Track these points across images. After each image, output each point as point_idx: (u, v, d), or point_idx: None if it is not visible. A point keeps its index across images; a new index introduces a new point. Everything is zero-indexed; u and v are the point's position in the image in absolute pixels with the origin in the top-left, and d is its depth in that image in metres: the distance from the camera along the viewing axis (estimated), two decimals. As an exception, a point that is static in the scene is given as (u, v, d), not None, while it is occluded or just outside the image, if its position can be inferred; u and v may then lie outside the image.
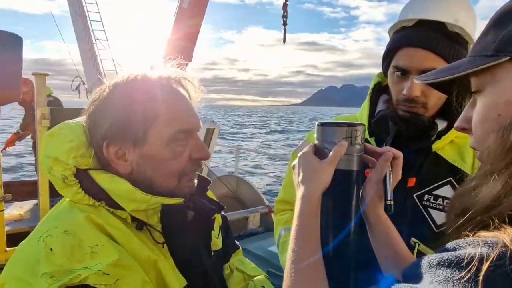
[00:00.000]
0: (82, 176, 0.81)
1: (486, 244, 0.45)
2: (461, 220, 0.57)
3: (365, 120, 1.19)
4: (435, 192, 1.04)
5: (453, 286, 0.44)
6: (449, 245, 0.49)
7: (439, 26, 0.99)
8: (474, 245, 0.46)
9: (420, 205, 1.04)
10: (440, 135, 1.08)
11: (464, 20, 1.00)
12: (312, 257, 0.70)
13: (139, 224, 0.83)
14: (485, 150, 0.56)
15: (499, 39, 0.53)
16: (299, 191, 0.79)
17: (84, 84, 6.15)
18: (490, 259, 0.43)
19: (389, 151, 0.81)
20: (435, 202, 1.03)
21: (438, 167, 1.06)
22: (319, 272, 0.69)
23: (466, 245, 0.48)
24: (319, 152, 0.85)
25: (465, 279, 0.43)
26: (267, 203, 3.72)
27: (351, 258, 0.88)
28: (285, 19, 5.17)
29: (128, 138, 0.82)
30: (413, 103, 1.04)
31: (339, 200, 0.84)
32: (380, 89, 1.23)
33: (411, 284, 0.49)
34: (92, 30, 6.21)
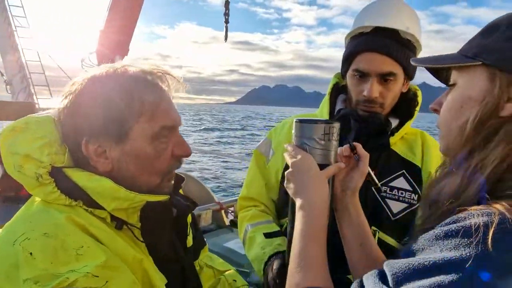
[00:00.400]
0: (57, 175, 0.77)
1: (484, 214, 0.52)
2: (433, 209, 0.67)
3: (325, 117, 1.27)
4: (391, 184, 1.15)
5: (464, 250, 0.50)
6: (448, 220, 0.56)
7: (394, 33, 1.10)
8: (474, 216, 0.53)
9: (378, 196, 1.14)
10: (393, 132, 1.19)
11: (414, 28, 1.13)
12: (320, 254, 0.75)
13: (119, 224, 0.80)
14: (449, 138, 0.69)
15: (480, 46, 0.65)
16: (300, 199, 0.81)
17: (2, 75, 5.55)
18: (494, 224, 0.50)
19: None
20: (391, 193, 1.14)
21: (392, 161, 1.17)
22: (325, 268, 0.73)
23: (466, 217, 0.54)
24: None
25: (475, 243, 0.50)
26: (217, 200, 3.71)
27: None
28: (227, 17, 5.21)
29: (110, 134, 0.78)
30: (372, 103, 1.14)
31: None
32: (338, 89, 1.32)
33: (422, 256, 0.54)
34: (12, 16, 5.62)
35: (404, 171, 1.17)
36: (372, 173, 0.90)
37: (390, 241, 1.13)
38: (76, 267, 0.65)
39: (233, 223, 3.27)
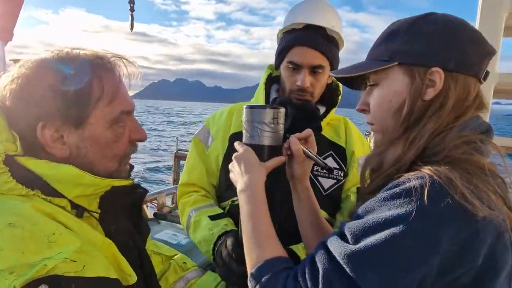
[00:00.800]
0: (11, 163, 0.73)
1: (419, 178, 0.64)
2: (377, 173, 0.81)
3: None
4: None
5: (407, 207, 0.62)
6: (390, 185, 0.68)
7: (322, 30, 1.25)
8: (411, 180, 0.65)
9: (311, 174, 1.28)
10: (321, 118, 1.36)
11: (337, 26, 1.30)
12: (269, 229, 0.84)
13: (79, 211, 0.79)
14: (383, 126, 0.82)
15: (391, 49, 0.79)
16: (242, 183, 0.90)
17: None
18: (427, 185, 0.62)
19: (294, 137, 0.98)
20: (322, 171, 1.30)
21: (321, 144, 1.33)
22: (277, 240, 0.83)
23: (405, 181, 0.66)
24: (250, 131, 0.98)
25: (414, 200, 0.61)
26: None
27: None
28: (132, 5, 4.93)
29: (68, 119, 0.77)
30: (304, 92, 1.28)
31: (272, 172, 0.99)
32: (271, 79, 1.44)
33: (374, 216, 0.65)
34: None
35: (331, 152, 1.34)
36: (317, 158, 0.98)
37: (322, 213, 1.29)
38: (49, 254, 0.64)
39: (158, 216, 3.20)
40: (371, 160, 0.84)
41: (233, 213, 1.33)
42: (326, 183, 1.31)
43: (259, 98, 1.41)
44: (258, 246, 0.80)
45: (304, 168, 1.00)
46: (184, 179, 1.43)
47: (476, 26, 1.45)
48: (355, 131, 1.43)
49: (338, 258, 0.65)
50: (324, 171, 1.29)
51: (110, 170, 0.84)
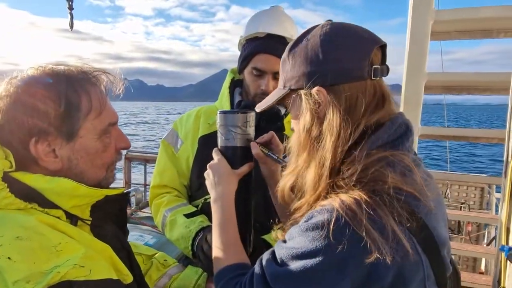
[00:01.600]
0: (8, 179, 0.77)
1: (327, 212, 0.70)
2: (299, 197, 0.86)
3: (227, 109, 1.48)
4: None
5: (318, 241, 0.69)
6: (309, 214, 0.75)
7: (282, 39, 1.38)
8: (321, 213, 0.71)
9: None
10: (282, 118, 1.49)
11: (295, 35, 1.42)
12: (234, 237, 0.96)
13: (73, 220, 0.84)
14: (294, 147, 0.86)
15: (283, 78, 0.86)
16: (214, 194, 1.01)
17: None
18: (333, 221, 0.67)
19: (254, 142, 1.07)
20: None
21: (283, 142, 1.47)
22: (240, 248, 0.95)
23: (317, 214, 0.72)
24: (225, 135, 1.09)
25: (323, 236, 0.68)
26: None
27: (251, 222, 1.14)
28: (70, 3, 4.68)
29: (59, 133, 0.81)
30: (268, 96, 1.40)
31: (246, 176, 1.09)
32: (234, 83, 1.54)
33: (294, 244, 0.73)
34: None
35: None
36: (276, 158, 1.07)
37: None
38: (59, 262, 0.69)
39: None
40: (292, 180, 0.89)
41: (206, 210, 1.42)
42: None
43: (223, 101, 1.51)
44: (221, 253, 0.92)
45: (269, 167, 1.11)
46: (156, 181, 1.50)
47: (408, 32, 1.67)
48: None
49: (267, 277, 0.75)
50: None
51: (99, 178, 0.90)
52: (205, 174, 1.06)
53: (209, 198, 1.40)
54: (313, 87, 0.78)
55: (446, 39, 1.86)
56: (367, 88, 0.78)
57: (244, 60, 1.41)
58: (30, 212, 0.77)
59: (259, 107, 0.99)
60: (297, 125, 0.85)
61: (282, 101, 0.90)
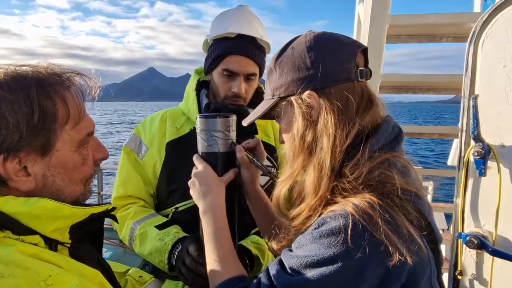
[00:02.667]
0: None
1: (342, 217, 0.69)
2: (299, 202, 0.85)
3: (195, 112, 1.41)
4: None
5: (335, 247, 0.67)
6: (319, 220, 0.73)
7: (253, 40, 1.35)
8: (334, 219, 0.69)
9: None
10: None
11: (264, 36, 1.40)
12: (229, 249, 0.92)
13: (53, 246, 0.74)
14: (290, 153, 0.86)
15: (272, 87, 0.87)
16: (203, 205, 0.96)
17: None
18: (350, 227, 0.66)
19: (239, 145, 1.05)
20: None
21: None
22: (236, 260, 0.91)
23: (330, 220, 0.70)
24: (207, 140, 1.03)
25: (341, 241, 0.67)
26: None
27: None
28: None
29: (32, 148, 0.70)
30: (239, 98, 1.36)
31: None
32: (199, 84, 1.47)
33: (307, 253, 0.71)
34: None
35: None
36: (261, 166, 1.05)
37: None
38: None
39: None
40: (287, 187, 0.89)
41: (177, 219, 1.34)
42: (263, 180, 1.42)
43: (190, 103, 1.43)
44: (218, 266, 0.88)
45: (251, 173, 1.08)
46: (119, 192, 1.38)
47: (366, 36, 1.74)
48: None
49: (278, 287, 0.73)
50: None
51: (76, 194, 0.80)
52: (190, 183, 0.99)
53: (181, 206, 1.35)
54: (304, 92, 0.80)
55: (396, 42, 1.98)
56: (355, 90, 0.81)
57: (214, 61, 1.35)
58: (5, 242, 0.65)
59: (246, 121, 0.96)
60: (289, 133, 0.85)
61: (271, 111, 0.89)
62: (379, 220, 0.67)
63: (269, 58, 1.00)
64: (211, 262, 0.89)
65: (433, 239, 0.77)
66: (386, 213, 0.68)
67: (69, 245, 0.78)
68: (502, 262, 1.37)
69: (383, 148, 0.78)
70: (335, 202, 0.75)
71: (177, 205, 1.35)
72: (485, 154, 1.36)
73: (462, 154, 1.45)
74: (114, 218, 0.89)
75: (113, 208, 0.85)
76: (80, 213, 0.74)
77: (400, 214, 0.70)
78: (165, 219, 1.33)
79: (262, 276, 0.78)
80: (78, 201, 0.81)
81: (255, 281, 0.79)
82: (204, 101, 1.45)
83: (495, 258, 1.38)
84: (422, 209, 0.75)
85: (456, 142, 3.71)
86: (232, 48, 1.32)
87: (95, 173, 0.85)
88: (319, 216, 0.77)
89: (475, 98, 1.36)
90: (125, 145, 1.44)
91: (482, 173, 1.38)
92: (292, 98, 0.82)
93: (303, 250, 0.73)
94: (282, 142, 0.93)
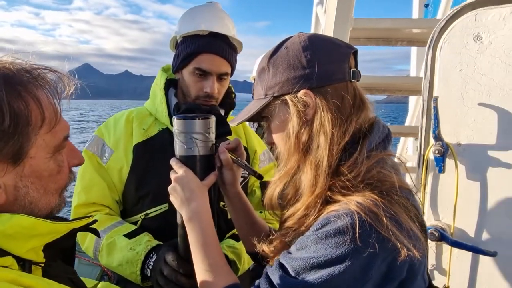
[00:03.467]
0: None
1: (347, 215, 0.68)
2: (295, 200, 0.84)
3: (164, 112, 1.34)
4: None
5: (343, 247, 0.67)
6: (322, 220, 0.72)
7: (226, 38, 1.31)
8: (339, 218, 0.68)
9: None
10: None
11: (236, 34, 1.37)
12: (220, 257, 0.88)
13: (27, 267, 0.66)
14: (284, 153, 0.85)
15: (264, 87, 0.85)
16: (188, 211, 0.91)
17: None
18: (357, 225, 0.66)
19: (222, 146, 1.02)
20: None
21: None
22: (228, 268, 0.88)
23: (334, 219, 0.69)
24: (186, 143, 0.98)
25: (348, 240, 0.66)
26: None
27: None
28: None
29: (3, 155, 0.62)
30: (211, 98, 1.32)
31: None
32: (167, 83, 1.40)
33: (310, 255, 0.70)
34: None
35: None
36: (246, 166, 1.03)
37: None
38: None
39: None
40: (281, 186, 0.88)
41: (147, 226, 1.27)
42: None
43: (157, 103, 1.36)
44: (211, 276, 0.84)
45: (233, 175, 1.04)
46: (81, 199, 1.26)
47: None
48: (251, 130, 1.56)
49: None
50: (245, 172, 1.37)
51: (51, 206, 0.72)
52: (171, 189, 0.94)
53: (151, 212, 1.28)
54: (299, 90, 0.80)
55: (356, 44, 2.05)
56: (349, 89, 0.82)
57: (185, 59, 1.29)
58: None
59: (235, 121, 0.92)
60: (283, 132, 0.84)
61: (262, 111, 0.87)
62: (384, 218, 0.67)
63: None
64: (202, 272, 0.85)
65: (425, 233, 0.80)
66: (389, 210, 0.69)
67: (43, 265, 0.69)
68: (459, 252, 1.47)
69: (378, 147, 0.80)
70: (334, 201, 0.75)
71: (147, 211, 1.27)
72: (444, 152, 1.45)
73: (422, 152, 1.54)
74: (95, 233, 0.81)
75: (95, 221, 0.77)
76: (61, 229, 0.67)
77: (402, 211, 0.71)
78: (134, 227, 1.25)
79: (261, 282, 0.75)
80: (52, 214, 0.72)
81: (254, 287, 0.76)
82: (173, 101, 1.38)
83: (453, 248, 1.48)
84: (416, 205, 0.77)
85: (402, 140, 3.96)
86: (204, 46, 1.27)
87: (70, 181, 0.77)
88: (317, 215, 0.77)
89: (436, 99, 1.45)
90: (86, 148, 1.33)
91: (442, 170, 1.47)
92: (287, 97, 0.81)
93: (307, 252, 0.71)
94: (271, 143, 0.91)
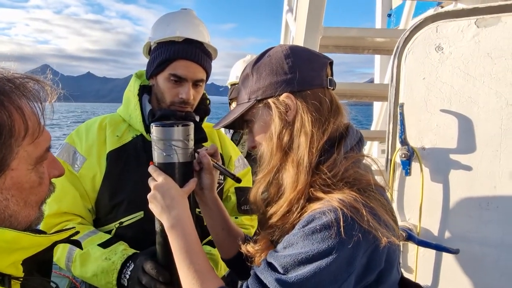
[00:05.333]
0: None
1: (331, 211, 0.72)
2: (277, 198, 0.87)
3: (138, 118, 1.32)
4: None
5: (329, 240, 0.71)
6: (307, 218, 0.76)
7: (201, 45, 1.31)
8: (324, 214, 0.73)
9: None
10: None
11: (211, 41, 1.38)
12: (206, 263, 0.89)
13: (6, 281, 0.64)
14: (266, 154, 0.89)
15: (248, 91, 0.90)
16: (170, 219, 0.90)
17: None
18: (341, 220, 0.71)
19: (204, 151, 1.05)
20: None
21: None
22: (214, 273, 0.88)
23: (319, 216, 0.73)
24: (165, 150, 0.98)
25: (334, 234, 0.71)
26: None
27: None
28: None
29: None
30: (186, 104, 1.32)
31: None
32: (141, 90, 1.39)
33: (298, 250, 0.73)
34: None
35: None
36: (225, 170, 1.05)
37: None
38: None
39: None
40: (265, 185, 0.91)
41: (122, 235, 1.25)
42: None
43: (131, 110, 1.34)
44: (198, 283, 0.84)
45: (212, 180, 1.06)
46: (52, 209, 1.22)
47: (301, 44, 1.82)
48: (226, 136, 1.57)
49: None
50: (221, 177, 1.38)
51: (31, 219, 0.70)
52: (150, 196, 0.93)
53: (126, 221, 1.26)
54: (282, 94, 0.86)
55: (325, 52, 2.11)
56: (326, 95, 0.88)
57: (160, 65, 1.29)
58: None
59: (219, 124, 0.95)
60: (266, 133, 0.89)
61: (245, 114, 0.91)
62: (364, 212, 0.73)
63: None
64: (189, 279, 0.84)
65: (398, 228, 0.85)
66: (368, 205, 0.75)
67: (22, 279, 0.67)
68: (425, 250, 1.55)
69: (353, 149, 0.86)
70: (317, 198, 0.79)
71: (122, 220, 1.25)
72: (410, 156, 1.53)
73: (390, 157, 1.62)
74: (78, 245, 0.79)
75: (77, 233, 0.75)
76: (44, 242, 0.65)
77: (378, 205, 0.77)
78: (108, 236, 1.22)
79: (250, 282, 0.77)
80: (31, 227, 0.70)
81: (243, 287, 0.78)
82: (147, 107, 1.37)
83: (419, 247, 1.56)
84: (389, 202, 0.84)
85: (369, 144, 4.11)
86: (180, 52, 1.27)
87: (50, 193, 0.75)
88: (301, 211, 0.80)
89: (402, 106, 1.53)
90: (56, 155, 1.28)
91: (408, 173, 1.55)
92: (270, 100, 0.87)
93: (294, 248, 0.75)
94: (253, 146, 0.94)
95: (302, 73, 0.86)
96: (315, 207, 0.77)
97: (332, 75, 0.93)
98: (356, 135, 0.89)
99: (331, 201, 0.75)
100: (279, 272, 0.75)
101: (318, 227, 0.73)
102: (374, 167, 0.90)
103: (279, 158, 0.86)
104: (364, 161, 0.89)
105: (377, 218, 0.74)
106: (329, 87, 0.89)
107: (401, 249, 1.63)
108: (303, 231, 0.75)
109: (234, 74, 2.87)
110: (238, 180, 1.05)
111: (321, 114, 0.85)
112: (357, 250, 0.72)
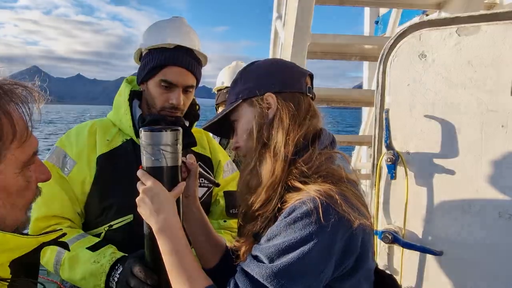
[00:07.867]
0: None
1: (310, 201, 0.79)
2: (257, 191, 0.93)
3: (128, 123, 1.34)
4: None
5: (310, 226, 0.77)
6: (289, 209, 0.82)
7: (191, 52, 1.34)
8: (304, 204, 0.79)
9: None
10: None
11: (201, 48, 1.41)
12: (194, 263, 0.90)
13: None
14: (247, 148, 0.99)
15: (236, 92, 1.01)
16: (159, 223, 0.92)
17: None
18: (320, 208, 0.77)
19: (191, 155, 1.09)
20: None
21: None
22: (202, 272, 0.90)
23: (299, 205, 0.80)
24: (153, 154, 1.00)
25: (313, 221, 0.77)
26: None
27: None
28: None
29: None
30: (176, 110, 1.34)
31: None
32: (132, 95, 1.40)
33: (282, 239, 0.78)
34: None
35: (200, 162, 1.45)
36: (209, 176, 1.08)
37: None
38: None
39: None
40: (248, 178, 0.97)
41: (111, 238, 1.26)
42: (200, 191, 1.41)
43: (121, 114, 1.36)
44: (190, 281, 0.86)
45: (197, 185, 1.10)
46: (41, 212, 1.23)
47: (289, 50, 1.86)
48: (214, 141, 1.59)
49: (259, 278, 0.78)
50: (205, 182, 1.39)
51: (18, 222, 0.72)
52: (139, 200, 0.94)
53: (115, 224, 1.27)
54: (264, 93, 0.96)
55: (313, 58, 2.16)
56: (305, 99, 0.98)
57: (151, 71, 1.31)
58: None
59: (208, 122, 1.03)
60: (248, 129, 0.98)
61: (231, 113, 1.01)
62: (338, 199, 0.80)
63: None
64: (179, 279, 0.86)
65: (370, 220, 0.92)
66: (342, 193, 0.82)
67: (9, 281, 0.68)
68: (410, 252, 1.59)
69: (327, 148, 0.94)
70: (295, 188, 0.86)
71: (111, 223, 1.26)
72: (395, 160, 1.57)
73: (376, 161, 1.66)
74: (65, 247, 0.81)
75: (64, 234, 0.77)
76: (31, 243, 0.66)
77: (351, 195, 0.84)
78: (97, 239, 1.23)
79: (237, 276, 0.80)
80: (18, 230, 0.72)
81: (231, 283, 0.80)
82: (137, 112, 1.38)
83: (404, 249, 1.60)
84: (361, 194, 0.91)
85: (357, 148, 4.17)
86: (171, 59, 1.29)
87: (36, 197, 0.77)
88: (280, 199, 0.87)
89: (387, 111, 1.57)
90: (46, 159, 1.29)
91: (393, 176, 1.59)
92: (254, 99, 0.97)
93: (278, 239, 0.80)
94: (236, 147, 1.02)
95: (284, 77, 0.98)
96: (295, 198, 0.83)
97: (312, 86, 1.02)
98: (329, 136, 0.97)
99: (310, 192, 0.81)
100: (264, 262, 0.79)
101: (299, 216, 0.79)
102: (345, 164, 0.95)
103: (259, 150, 0.94)
104: (337, 161, 0.95)
105: (350, 204, 0.81)
106: (308, 94, 0.99)
107: (388, 251, 1.67)
108: (285, 221, 0.80)
109: (220, 80, 2.89)
110: (217, 185, 1.15)
111: (298, 113, 0.94)
112: (335, 234, 0.78)
